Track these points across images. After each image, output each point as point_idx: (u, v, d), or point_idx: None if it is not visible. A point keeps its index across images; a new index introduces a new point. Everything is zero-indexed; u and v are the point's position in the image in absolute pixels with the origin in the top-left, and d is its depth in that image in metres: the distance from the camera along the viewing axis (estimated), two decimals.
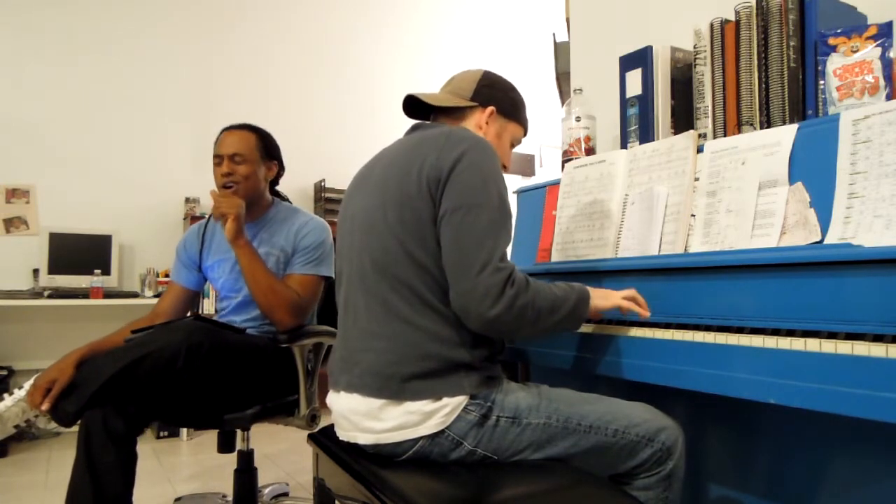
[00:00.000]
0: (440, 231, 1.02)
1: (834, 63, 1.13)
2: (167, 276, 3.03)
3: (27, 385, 1.46)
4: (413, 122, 1.27)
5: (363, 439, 1.07)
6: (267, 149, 1.82)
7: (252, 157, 1.77)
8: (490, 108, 1.24)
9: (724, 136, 1.31)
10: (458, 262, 0.99)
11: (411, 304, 1.03)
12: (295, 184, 4.05)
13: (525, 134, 1.34)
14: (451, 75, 1.31)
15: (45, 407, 1.37)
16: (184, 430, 3.24)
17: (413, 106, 1.28)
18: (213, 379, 1.52)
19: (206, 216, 1.94)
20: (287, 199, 1.96)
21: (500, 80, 1.28)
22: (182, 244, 1.91)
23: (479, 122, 1.24)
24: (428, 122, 1.25)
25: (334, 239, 1.65)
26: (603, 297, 1.12)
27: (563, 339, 1.26)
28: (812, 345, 0.84)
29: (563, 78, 2.46)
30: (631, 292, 1.14)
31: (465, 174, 1.02)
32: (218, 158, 1.76)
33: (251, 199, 1.77)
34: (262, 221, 1.83)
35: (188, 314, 1.94)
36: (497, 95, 1.26)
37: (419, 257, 1.03)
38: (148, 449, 3.03)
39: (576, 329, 1.15)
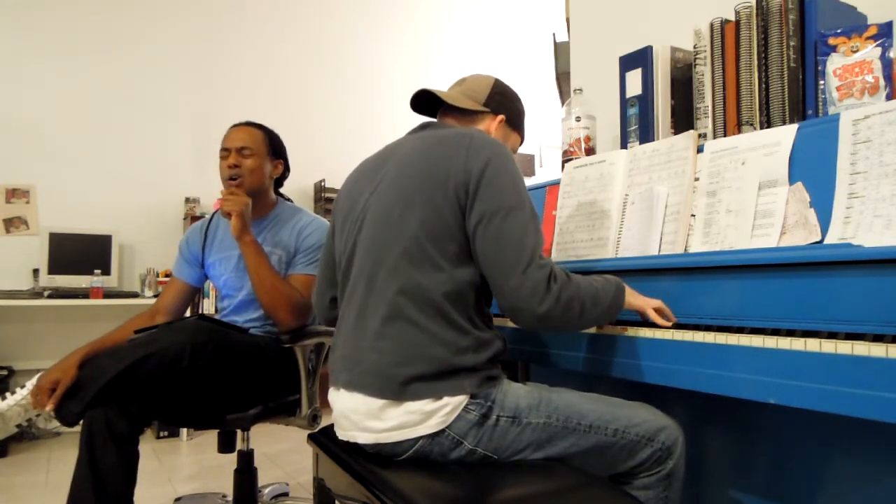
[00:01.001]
0: (476, 236, 1.03)
1: (834, 63, 1.13)
2: (167, 275, 3.03)
3: (29, 384, 1.46)
4: (418, 117, 1.29)
5: (363, 439, 1.07)
6: (274, 147, 1.84)
7: (259, 152, 1.78)
8: (500, 117, 1.27)
9: (724, 136, 1.31)
10: (502, 263, 1.00)
11: (419, 307, 1.03)
12: (295, 184, 4.04)
13: (521, 144, 1.38)
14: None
15: (49, 407, 1.37)
16: (184, 430, 3.24)
17: (420, 100, 1.28)
18: (217, 379, 1.53)
19: (211, 215, 1.94)
20: (290, 200, 1.96)
21: (510, 90, 1.32)
22: (185, 240, 1.91)
23: (488, 128, 1.26)
24: (435, 120, 1.26)
25: None
26: (633, 295, 1.13)
27: (564, 338, 1.26)
28: (812, 345, 0.84)
29: (563, 78, 2.46)
30: (660, 304, 1.13)
31: (496, 179, 1.04)
32: (225, 151, 1.76)
33: (255, 196, 1.77)
34: (266, 220, 1.84)
35: (188, 311, 1.94)
36: (507, 105, 1.29)
37: (436, 260, 1.03)
38: (148, 449, 3.03)
39: (612, 322, 1.14)
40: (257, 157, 1.77)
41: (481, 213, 1.02)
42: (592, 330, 1.20)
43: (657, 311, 1.12)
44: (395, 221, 1.07)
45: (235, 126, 1.82)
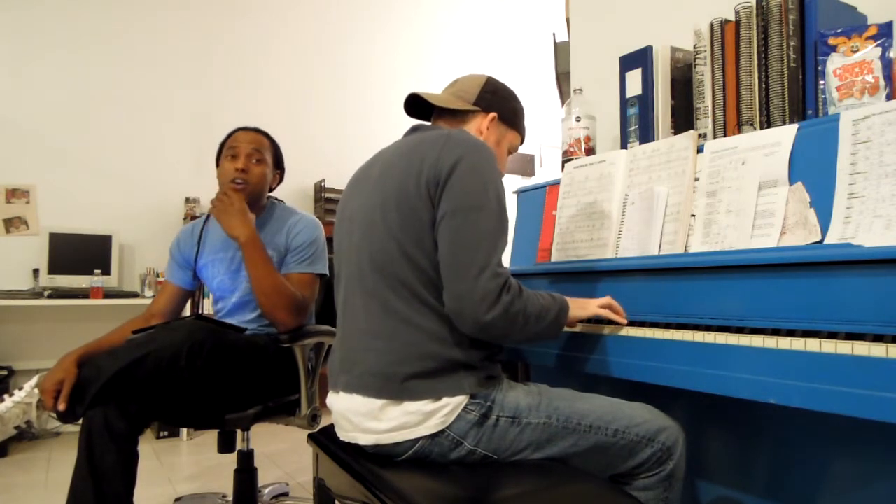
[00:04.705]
0: (438, 233, 1.02)
1: (834, 63, 1.13)
2: None
3: (27, 386, 1.46)
4: (413, 121, 1.28)
5: (364, 440, 1.07)
6: (277, 157, 1.86)
7: (267, 160, 1.80)
8: (492, 115, 1.25)
9: (724, 136, 1.31)
10: (456, 264, 0.99)
11: (410, 304, 1.03)
12: (295, 184, 4.05)
13: (522, 142, 1.36)
14: (451, 75, 1.32)
15: (62, 407, 1.37)
16: (184, 430, 3.24)
17: (414, 105, 1.28)
18: (215, 378, 1.52)
19: (204, 217, 1.93)
20: (280, 202, 1.96)
21: (503, 88, 1.30)
22: (176, 244, 1.90)
23: (480, 128, 1.25)
24: (427, 123, 1.25)
25: (328, 238, 1.65)
26: (580, 307, 1.15)
27: (564, 339, 1.26)
28: (812, 345, 0.84)
29: (563, 78, 2.45)
30: (607, 300, 1.17)
31: (464, 177, 1.03)
32: (233, 150, 1.75)
33: (253, 201, 1.77)
34: (259, 222, 1.83)
35: (187, 311, 1.94)
36: (499, 103, 1.27)
37: (416, 258, 1.03)
38: (148, 449, 3.03)
39: (554, 338, 1.17)
40: (265, 166, 1.78)
41: (444, 211, 1.02)
42: (589, 329, 1.20)
43: (605, 306, 1.15)
44: (378, 223, 1.08)
45: (244, 130, 1.80)
